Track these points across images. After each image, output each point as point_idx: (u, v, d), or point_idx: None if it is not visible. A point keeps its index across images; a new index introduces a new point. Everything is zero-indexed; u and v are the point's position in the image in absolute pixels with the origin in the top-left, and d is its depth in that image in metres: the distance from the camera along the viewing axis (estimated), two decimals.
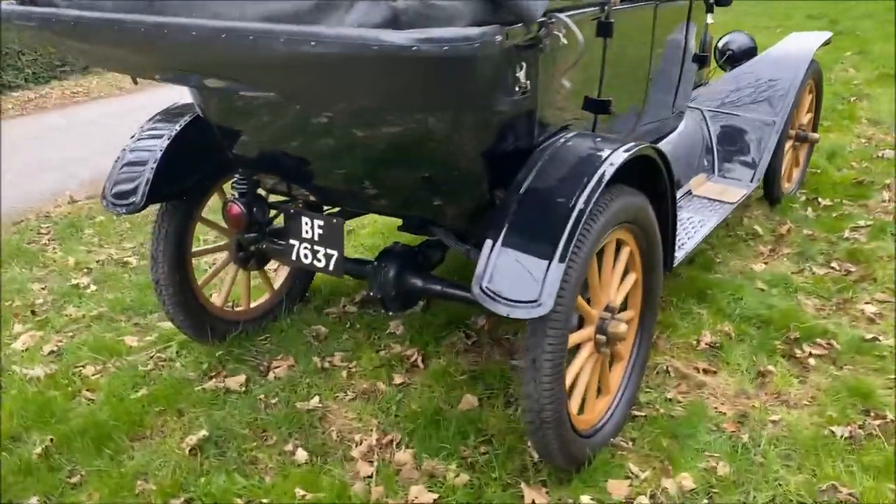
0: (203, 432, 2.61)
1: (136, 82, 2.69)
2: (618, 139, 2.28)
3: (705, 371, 2.92)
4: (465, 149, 2.08)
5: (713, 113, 4.06)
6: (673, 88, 3.38)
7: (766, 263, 3.76)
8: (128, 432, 2.66)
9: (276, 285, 3.42)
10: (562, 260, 1.94)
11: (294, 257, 2.68)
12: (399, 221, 2.87)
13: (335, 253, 2.58)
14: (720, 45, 4.60)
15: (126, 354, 3.18)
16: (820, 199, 4.45)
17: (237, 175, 2.68)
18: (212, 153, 2.75)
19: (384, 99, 1.88)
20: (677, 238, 2.82)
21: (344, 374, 2.97)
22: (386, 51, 1.55)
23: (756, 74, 4.15)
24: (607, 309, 2.38)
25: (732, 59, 4.51)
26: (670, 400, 2.75)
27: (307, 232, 2.63)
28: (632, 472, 2.40)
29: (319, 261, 2.63)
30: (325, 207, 2.84)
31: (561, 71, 2.17)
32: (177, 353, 3.16)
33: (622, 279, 2.48)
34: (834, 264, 3.71)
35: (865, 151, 5.25)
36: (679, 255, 2.91)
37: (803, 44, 4.27)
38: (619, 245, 2.41)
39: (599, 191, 2.03)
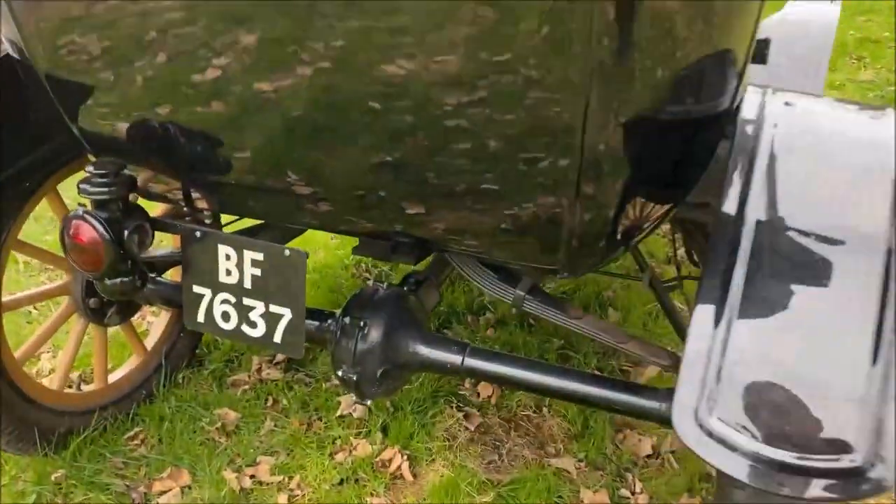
0: None
1: None
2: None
3: None
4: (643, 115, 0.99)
5: None
6: None
7: None
8: None
9: (150, 343, 2.15)
10: None
11: (201, 318, 1.49)
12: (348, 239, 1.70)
13: (286, 312, 1.41)
14: None
15: None
16: None
17: (91, 168, 1.42)
18: (37, 132, 1.55)
19: None
20: None
21: (283, 499, 1.78)
22: None
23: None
24: None
25: None
26: None
27: (229, 272, 1.44)
28: None
29: (253, 325, 1.46)
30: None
31: None
32: None
33: None
34: None
35: None
36: None
37: (818, 12, 3.50)
38: None
39: None
